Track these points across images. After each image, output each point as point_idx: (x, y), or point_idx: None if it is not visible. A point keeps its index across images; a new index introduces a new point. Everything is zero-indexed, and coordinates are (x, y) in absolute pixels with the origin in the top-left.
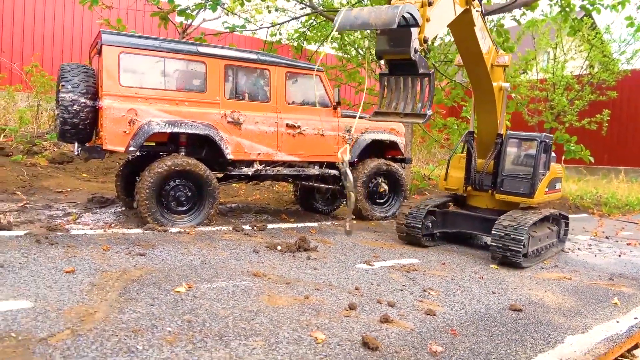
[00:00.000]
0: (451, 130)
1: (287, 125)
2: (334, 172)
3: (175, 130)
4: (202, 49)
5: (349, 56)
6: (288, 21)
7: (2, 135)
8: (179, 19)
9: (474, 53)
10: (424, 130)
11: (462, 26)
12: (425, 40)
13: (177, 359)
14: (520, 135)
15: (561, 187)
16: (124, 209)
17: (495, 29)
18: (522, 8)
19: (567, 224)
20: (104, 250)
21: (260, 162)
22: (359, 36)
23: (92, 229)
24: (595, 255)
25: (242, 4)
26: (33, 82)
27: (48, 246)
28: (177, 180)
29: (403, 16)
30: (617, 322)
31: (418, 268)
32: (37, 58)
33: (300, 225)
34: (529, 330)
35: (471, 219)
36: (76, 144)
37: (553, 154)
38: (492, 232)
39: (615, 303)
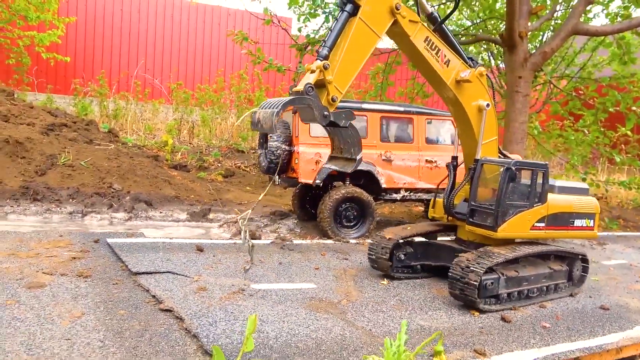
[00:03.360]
0: (568, 140)
1: (426, 161)
2: None
3: None
4: (364, 106)
5: None
6: None
7: (179, 154)
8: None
9: (425, 68)
10: (538, 143)
11: (397, 39)
12: (334, 100)
13: None
14: (492, 161)
15: (595, 225)
16: (297, 220)
17: (615, 41)
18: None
19: (585, 264)
20: (322, 255)
21: (406, 190)
22: None
23: (301, 238)
24: None
25: None
26: (175, 97)
27: (289, 251)
28: (347, 204)
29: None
30: None
31: None
32: (174, 74)
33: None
34: (610, 321)
35: (452, 252)
36: (276, 176)
37: (568, 184)
38: (449, 273)
39: None
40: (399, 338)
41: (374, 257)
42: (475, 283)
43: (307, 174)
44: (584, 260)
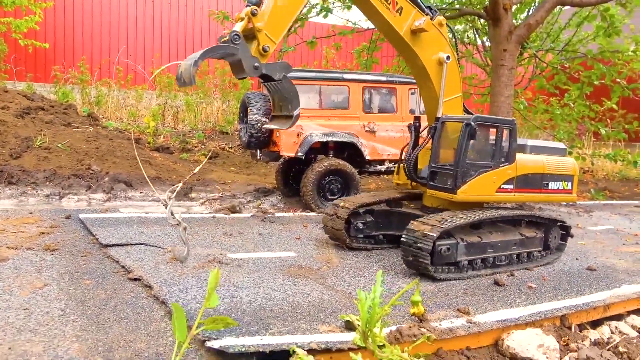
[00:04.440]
0: (553, 115)
1: None
2: None
3: (329, 139)
4: (346, 76)
5: None
6: None
7: (162, 137)
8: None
9: (378, 19)
10: (524, 118)
11: None
12: (265, 50)
13: None
14: (453, 118)
15: (573, 187)
16: (281, 197)
17: (599, 14)
18: None
19: (565, 231)
20: (304, 226)
21: (390, 161)
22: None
23: (284, 212)
24: None
25: (349, 8)
26: (158, 82)
27: (271, 223)
28: (330, 176)
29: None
30: None
31: None
32: (157, 59)
33: None
34: (597, 280)
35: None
36: (258, 151)
37: (542, 144)
38: (401, 239)
39: None
40: (374, 290)
41: (329, 226)
42: (428, 248)
43: (288, 147)
44: (564, 227)
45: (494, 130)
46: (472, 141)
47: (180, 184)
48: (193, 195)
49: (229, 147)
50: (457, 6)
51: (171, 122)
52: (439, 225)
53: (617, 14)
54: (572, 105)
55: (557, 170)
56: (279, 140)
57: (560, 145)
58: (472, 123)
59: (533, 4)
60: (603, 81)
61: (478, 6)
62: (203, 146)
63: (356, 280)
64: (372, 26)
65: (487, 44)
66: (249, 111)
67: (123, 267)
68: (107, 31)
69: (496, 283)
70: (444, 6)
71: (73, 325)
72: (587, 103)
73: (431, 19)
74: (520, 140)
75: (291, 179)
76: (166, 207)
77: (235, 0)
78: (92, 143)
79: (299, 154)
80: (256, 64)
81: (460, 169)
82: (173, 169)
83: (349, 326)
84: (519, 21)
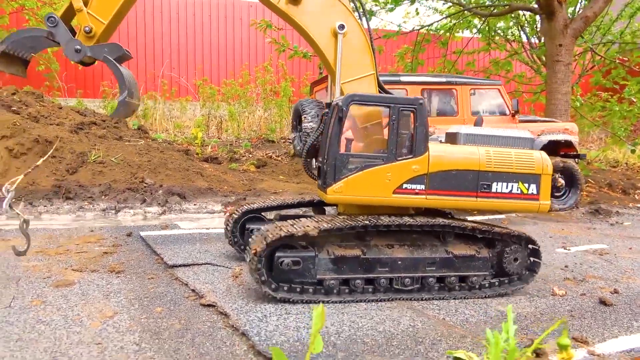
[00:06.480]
0: (611, 112)
1: None
2: None
3: None
4: (403, 78)
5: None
6: (438, 21)
7: (209, 147)
8: None
9: None
10: (581, 116)
11: None
12: (88, 31)
13: None
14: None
15: (541, 192)
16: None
17: None
18: None
19: (530, 248)
20: None
21: None
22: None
23: None
24: None
25: (392, 10)
26: (201, 93)
27: None
28: None
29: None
30: None
31: (609, 252)
32: (199, 71)
33: (490, 217)
34: None
35: None
36: (314, 160)
37: (485, 132)
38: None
39: None
40: (506, 329)
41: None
42: (256, 258)
43: None
44: (528, 242)
45: (388, 114)
46: (349, 127)
47: (22, 176)
48: None
49: (275, 156)
50: (505, 1)
51: (215, 132)
52: (282, 230)
53: None
54: (635, 100)
55: (506, 167)
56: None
57: (524, 133)
58: (341, 104)
59: None
60: None
61: (529, 1)
62: (251, 155)
63: (444, 302)
64: (417, 28)
65: (534, 40)
66: (303, 119)
67: (193, 290)
68: (151, 45)
69: (602, 302)
70: (494, 2)
71: None
72: None
73: None
74: (453, 128)
75: None
76: (5, 200)
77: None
78: (144, 156)
79: None
80: (77, 47)
81: (330, 162)
82: (224, 180)
83: None
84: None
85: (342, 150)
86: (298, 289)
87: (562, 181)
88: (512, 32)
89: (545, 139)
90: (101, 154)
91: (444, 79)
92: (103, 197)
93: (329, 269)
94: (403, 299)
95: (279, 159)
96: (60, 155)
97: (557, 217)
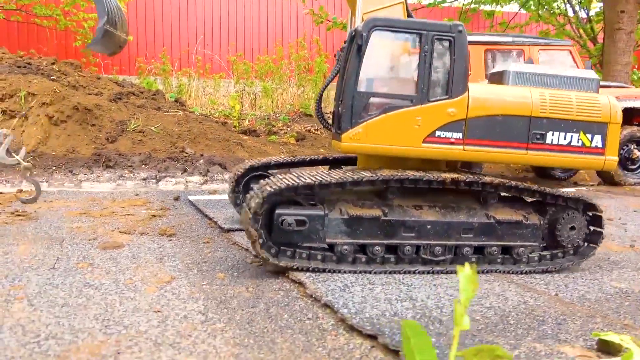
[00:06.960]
0: None
1: None
2: None
3: None
4: None
5: (545, 15)
6: None
7: (246, 120)
8: None
9: None
10: None
11: None
12: None
13: None
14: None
15: (607, 145)
16: None
17: None
18: None
19: (590, 215)
20: None
21: None
22: None
23: None
24: None
25: None
26: (235, 70)
27: None
28: None
29: None
30: None
31: None
32: (233, 47)
33: None
34: None
35: None
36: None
37: (541, 70)
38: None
39: None
40: None
41: (228, 192)
42: (252, 216)
43: None
44: (588, 207)
45: (419, 44)
46: (368, 60)
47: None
48: None
49: (314, 129)
50: None
51: (249, 109)
52: (283, 182)
53: None
54: None
55: (564, 113)
56: None
57: (587, 73)
58: (360, 28)
59: None
60: None
61: None
62: (289, 129)
63: (547, 275)
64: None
65: (581, 14)
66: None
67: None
68: (185, 22)
69: None
70: None
71: (223, 337)
72: None
73: None
74: (500, 65)
75: None
76: (2, 146)
77: None
78: (184, 126)
79: None
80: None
81: (347, 102)
82: (264, 151)
83: (605, 348)
84: None
85: (362, 88)
86: (306, 254)
87: (637, 153)
88: (557, 6)
89: (620, 105)
90: (140, 123)
91: (509, 39)
92: (143, 166)
93: (342, 231)
94: (431, 272)
95: (318, 132)
96: (99, 124)
97: (632, 191)
